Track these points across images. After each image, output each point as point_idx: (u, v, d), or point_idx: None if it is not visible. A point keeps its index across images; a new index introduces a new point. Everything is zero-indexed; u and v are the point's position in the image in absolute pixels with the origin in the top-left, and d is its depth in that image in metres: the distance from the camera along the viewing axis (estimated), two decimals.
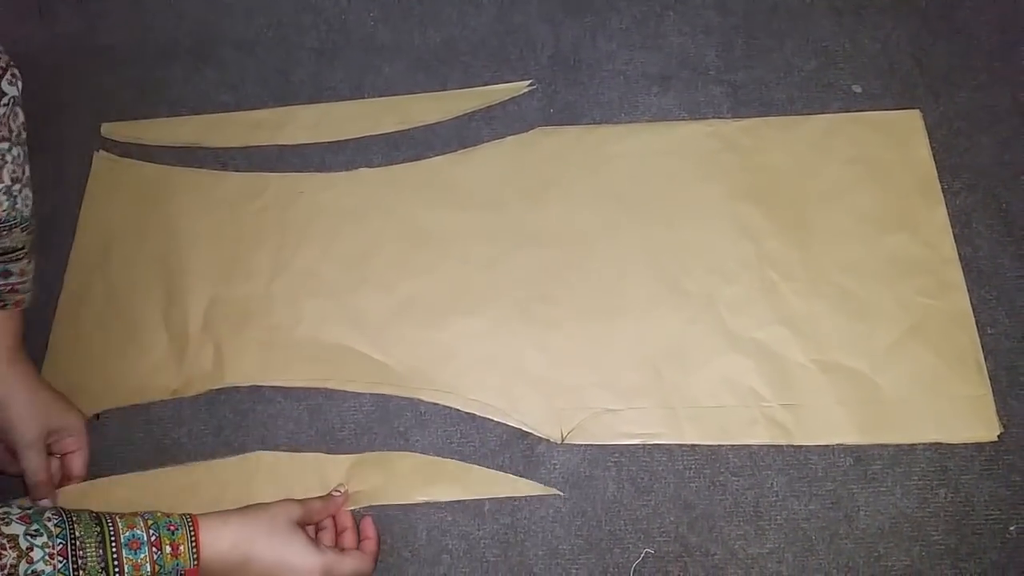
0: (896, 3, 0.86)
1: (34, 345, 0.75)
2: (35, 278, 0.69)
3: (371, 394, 0.72)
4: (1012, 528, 0.64)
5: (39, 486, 0.67)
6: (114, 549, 0.52)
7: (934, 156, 0.77)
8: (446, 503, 0.68)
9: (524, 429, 0.70)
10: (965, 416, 0.67)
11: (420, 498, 0.68)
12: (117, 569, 0.51)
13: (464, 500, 0.68)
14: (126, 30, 0.93)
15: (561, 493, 0.67)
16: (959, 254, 0.73)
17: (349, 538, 0.64)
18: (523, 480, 0.68)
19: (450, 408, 0.71)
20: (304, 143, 0.84)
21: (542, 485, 0.68)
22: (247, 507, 0.59)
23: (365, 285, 0.76)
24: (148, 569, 0.52)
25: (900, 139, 0.78)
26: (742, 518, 0.66)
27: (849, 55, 0.83)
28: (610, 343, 0.72)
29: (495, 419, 0.70)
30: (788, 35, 0.85)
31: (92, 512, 0.53)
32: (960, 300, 0.71)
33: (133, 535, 0.53)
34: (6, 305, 0.67)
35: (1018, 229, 0.74)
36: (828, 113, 0.81)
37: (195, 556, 0.54)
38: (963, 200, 0.76)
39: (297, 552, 0.58)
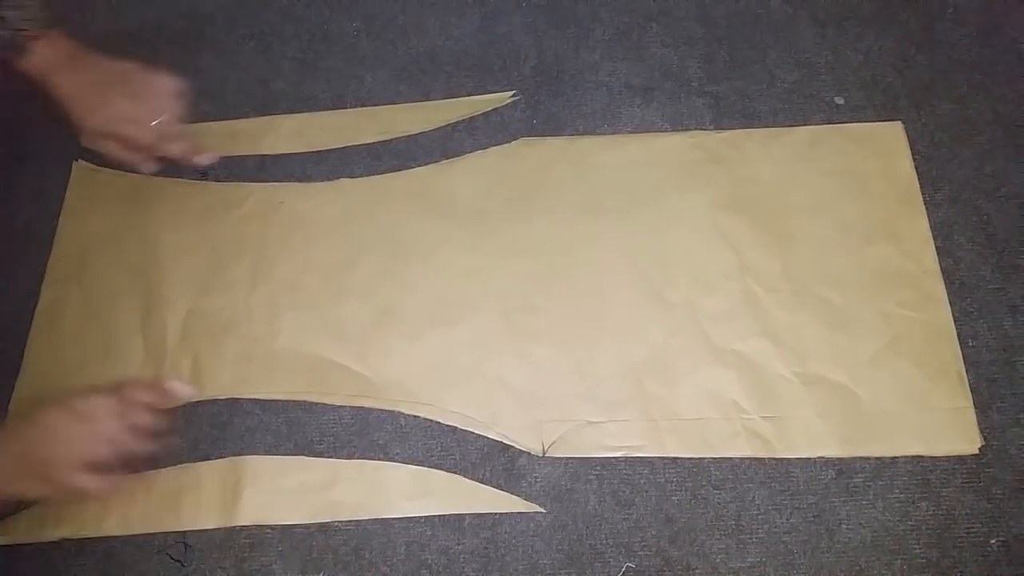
0: (878, 16, 0.86)
1: (10, 356, 0.75)
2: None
3: (351, 407, 0.71)
4: (993, 541, 0.64)
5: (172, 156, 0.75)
6: None
7: (916, 168, 0.78)
8: (426, 518, 0.67)
9: (505, 442, 0.69)
10: (946, 429, 0.67)
11: (402, 512, 0.67)
12: None
13: (445, 514, 0.67)
14: (105, 38, 0.92)
15: (543, 509, 0.67)
16: (941, 266, 0.73)
17: None
18: (506, 495, 0.67)
19: (431, 420, 0.70)
20: (285, 153, 0.84)
21: (524, 500, 0.67)
22: None
23: (346, 296, 0.76)
24: None
25: (882, 151, 0.79)
26: (724, 532, 0.65)
27: (831, 67, 0.84)
28: (592, 354, 0.72)
29: (476, 431, 0.70)
30: (771, 47, 0.86)
31: None
32: (942, 312, 0.71)
33: None
34: (23, 46, 0.70)
35: (999, 241, 0.75)
36: (810, 125, 0.81)
37: None
38: (945, 212, 0.76)
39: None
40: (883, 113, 0.81)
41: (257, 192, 0.82)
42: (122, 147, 0.75)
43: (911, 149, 0.78)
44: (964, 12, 0.85)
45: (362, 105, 0.86)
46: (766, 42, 0.86)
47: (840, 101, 0.82)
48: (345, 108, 0.86)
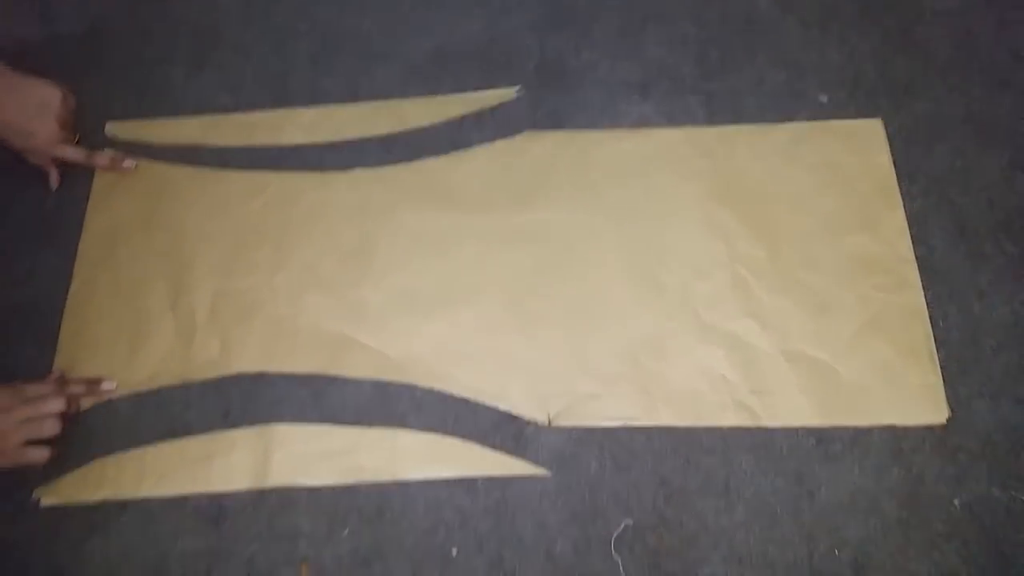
0: (861, 19, 0.91)
1: (46, 335, 0.79)
2: None
3: (370, 380, 0.76)
4: (956, 501, 0.69)
5: (104, 165, 0.86)
6: None
7: (894, 162, 0.82)
8: (443, 480, 0.72)
9: (513, 413, 0.74)
10: (917, 401, 0.72)
11: (420, 475, 0.72)
12: None
13: (459, 477, 0.72)
14: (127, 33, 0.96)
15: (549, 473, 0.72)
16: (915, 254, 0.78)
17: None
18: (515, 460, 0.72)
19: (444, 393, 0.75)
20: (302, 144, 0.88)
21: (532, 465, 0.72)
22: None
23: (363, 279, 0.80)
24: None
25: (862, 146, 0.83)
26: (713, 493, 0.70)
27: (816, 67, 0.88)
28: (593, 334, 0.77)
29: (487, 403, 0.74)
30: (760, 48, 0.90)
31: None
32: (915, 296, 0.76)
33: None
34: None
35: (970, 231, 0.79)
36: (796, 121, 0.85)
37: None
38: (920, 204, 0.81)
39: None
40: (864, 111, 0.85)
41: (276, 181, 0.86)
42: (51, 163, 0.85)
43: (889, 145, 0.83)
44: (941, 17, 0.90)
45: (374, 99, 0.90)
46: (756, 43, 0.90)
47: (824, 99, 0.86)
48: (358, 102, 0.90)
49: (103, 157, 0.86)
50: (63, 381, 0.75)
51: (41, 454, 0.71)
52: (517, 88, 0.89)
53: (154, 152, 0.89)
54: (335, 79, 0.91)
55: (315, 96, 0.91)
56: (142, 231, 0.85)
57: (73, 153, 0.84)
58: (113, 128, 0.90)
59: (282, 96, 0.91)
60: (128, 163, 0.87)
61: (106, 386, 0.77)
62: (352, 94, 0.90)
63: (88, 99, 0.88)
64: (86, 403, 0.76)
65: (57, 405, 0.72)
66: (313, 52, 0.93)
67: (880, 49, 0.89)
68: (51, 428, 0.71)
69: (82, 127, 0.87)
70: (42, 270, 0.83)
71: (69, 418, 0.74)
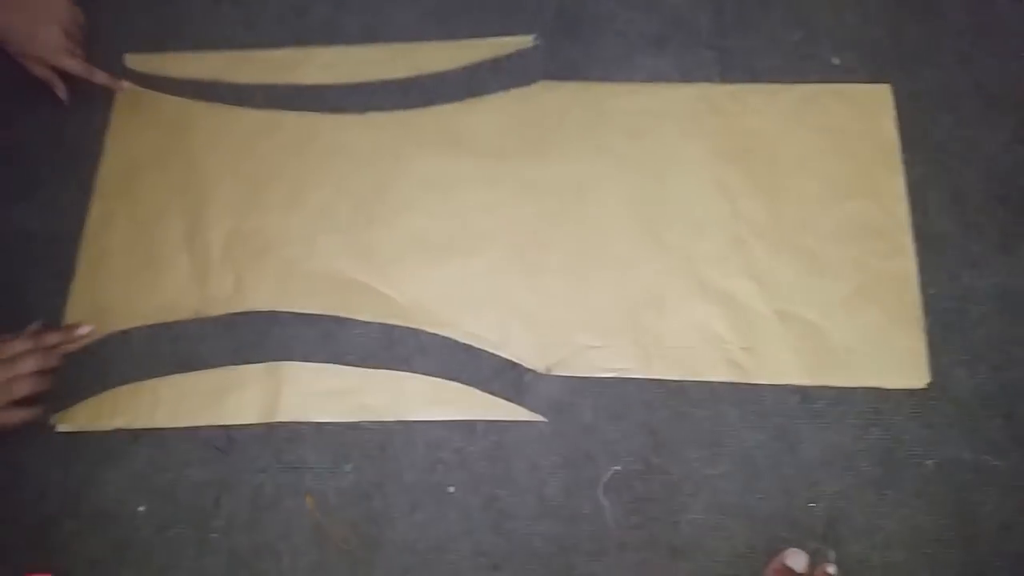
0: None
1: (62, 266, 0.82)
2: None
3: (378, 323, 0.78)
4: (929, 462, 0.72)
5: (103, 82, 0.85)
6: None
7: (898, 129, 0.83)
8: (443, 422, 0.75)
9: (514, 360, 0.77)
10: (901, 365, 0.75)
11: (421, 416, 0.75)
12: None
13: (459, 420, 0.75)
14: None
15: (545, 419, 0.75)
16: (912, 221, 0.79)
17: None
18: (513, 406, 0.75)
19: (449, 339, 0.78)
20: (318, 84, 0.88)
21: (529, 411, 0.75)
22: None
23: (374, 223, 0.82)
24: None
25: (869, 111, 0.84)
26: (700, 444, 0.73)
27: (831, 29, 0.88)
28: (594, 287, 0.79)
29: (489, 350, 0.77)
30: (777, 6, 0.89)
31: None
32: (908, 263, 0.78)
33: None
34: None
35: (966, 201, 0.80)
36: (807, 82, 0.85)
37: None
38: (920, 172, 0.81)
39: None
40: (874, 75, 0.85)
41: (292, 120, 0.87)
42: (52, 73, 0.84)
43: (896, 111, 0.83)
44: None
45: (391, 41, 0.90)
46: (772, 1, 0.90)
47: (836, 62, 0.86)
48: (375, 44, 0.90)
49: (101, 74, 0.86)
50: (39, 334, 0.76)
51: (21, 415, 0.73)
52: (534, 36, 0.89)
53: (172, 86, 0.89)
54: (353, 19, 0.91)
55: (332, 36, 0.91)
56: (159, 165, 0.86)
57: (73, 64, 0.84)
58: (132, 60, 0.91)
59: (299, 34, 0.91)
60: (125, 84, 0.87)
61: (81, 331, 0.78)
62: (369, 36, 0.91)
63: (107, 30, 0.88)
64: (71, 348, 0.78)
65: (30, 365, 0.73)
66: None
67: (895, 14, 0.89)
68: (27, 388, 0.72)
69: (101, 58, 0.88)
70: (60, 201, 0.85)
71: (49, 372, 0.75)
